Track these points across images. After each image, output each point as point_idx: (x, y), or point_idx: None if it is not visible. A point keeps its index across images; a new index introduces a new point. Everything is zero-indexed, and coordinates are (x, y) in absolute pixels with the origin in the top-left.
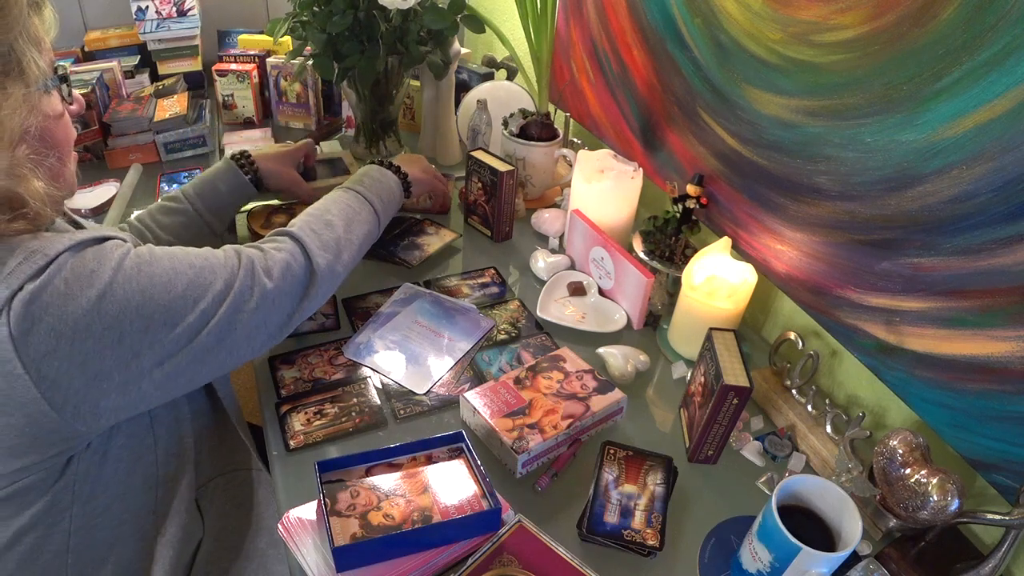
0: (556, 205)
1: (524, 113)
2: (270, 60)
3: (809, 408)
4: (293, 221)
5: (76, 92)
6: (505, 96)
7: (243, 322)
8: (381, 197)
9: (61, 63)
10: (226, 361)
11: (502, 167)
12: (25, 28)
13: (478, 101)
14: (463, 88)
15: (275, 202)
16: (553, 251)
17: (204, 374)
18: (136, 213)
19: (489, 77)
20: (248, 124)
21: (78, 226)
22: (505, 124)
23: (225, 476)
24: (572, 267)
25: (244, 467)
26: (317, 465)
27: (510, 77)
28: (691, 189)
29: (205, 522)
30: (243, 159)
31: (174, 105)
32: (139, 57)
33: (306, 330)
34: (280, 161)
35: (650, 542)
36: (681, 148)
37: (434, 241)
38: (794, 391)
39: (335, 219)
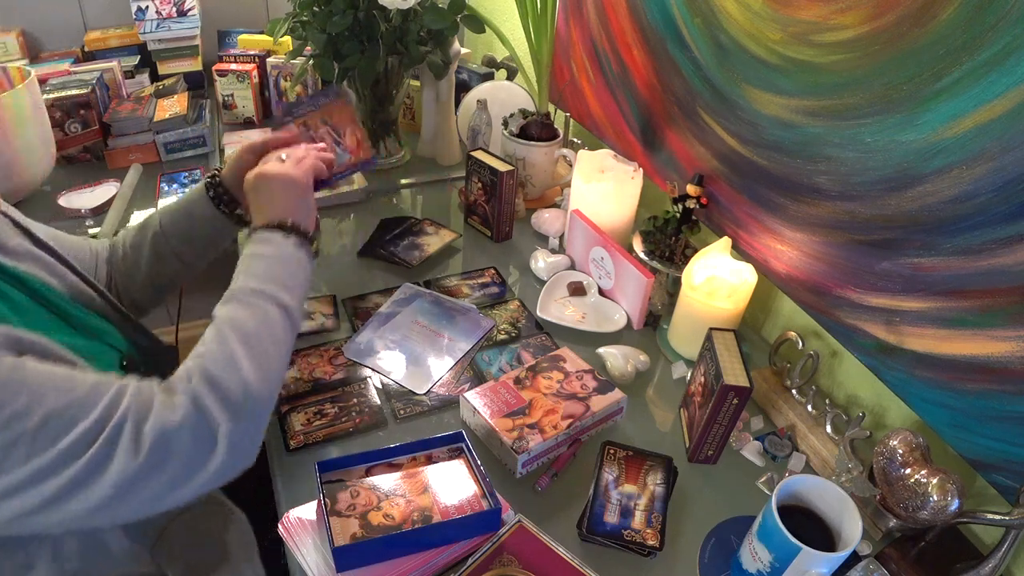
0: (556, 205)
1: (524, 113)
2: (270, 60)
3: (809, 408)
4: (197, 352)
5: None
6: (505, 96)
7: (90, 497)
8: (280, 281)
9: None
10: (83, 524)
11: (502, 167)
12: None
13: (478, 101)
14: (463, 88)
15: None
16: (553, 251)
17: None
18: (128, 225)
19: (489, 77)
20: (248, 124)
21: (26, 232)
22: (505, 124)
23: (176, 521)
24: (572, 267)
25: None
26: (317, 465)
27: (510, 77)
28: (691, 189)
29: (168, 568)
30: (215, 185)
31: (174, 105)
32: (139, 57)
33: (306, 330)
34: (237, 169)
35: (650, 542)
36: (681, 148)
37: (434, 241)
38: (794, 391)
39: (237, 349)
